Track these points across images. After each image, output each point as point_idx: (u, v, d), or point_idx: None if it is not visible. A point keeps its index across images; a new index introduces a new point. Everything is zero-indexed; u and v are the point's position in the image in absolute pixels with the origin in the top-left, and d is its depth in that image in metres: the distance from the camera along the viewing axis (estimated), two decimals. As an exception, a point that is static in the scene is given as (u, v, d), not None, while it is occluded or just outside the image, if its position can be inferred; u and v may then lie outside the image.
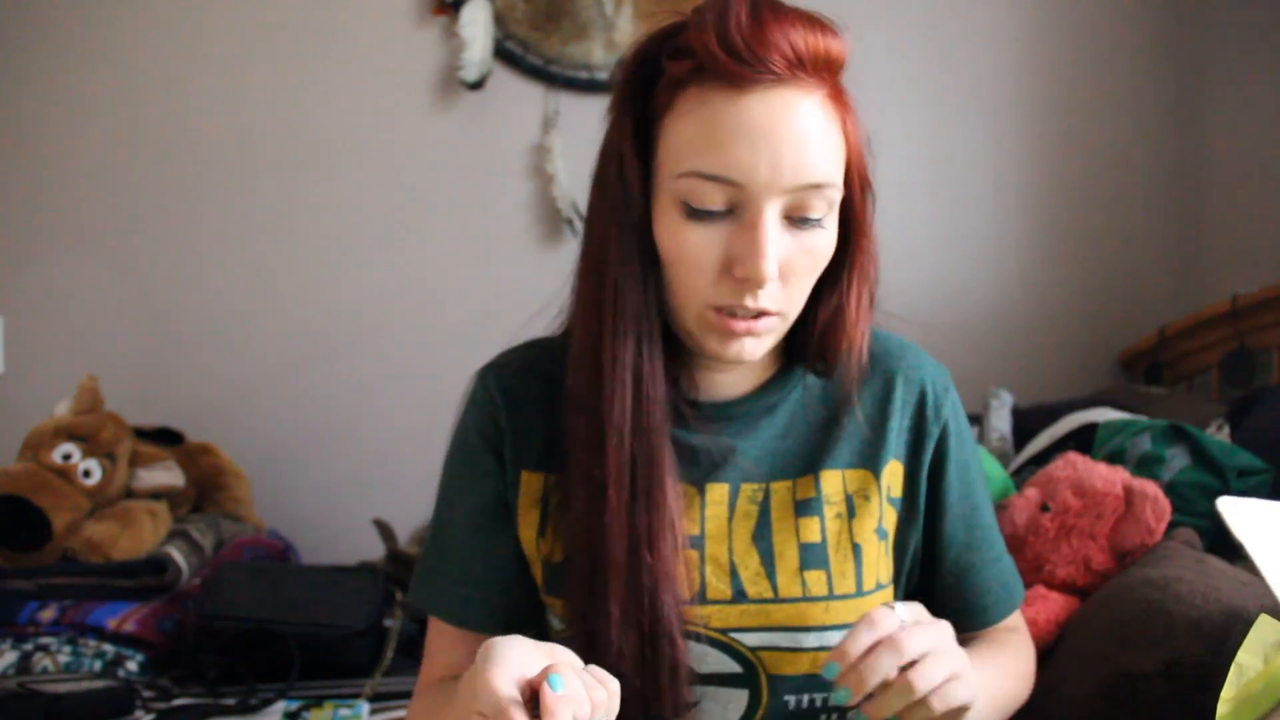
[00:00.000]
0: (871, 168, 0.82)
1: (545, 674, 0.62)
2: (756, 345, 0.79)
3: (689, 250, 0.76)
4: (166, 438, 1.81)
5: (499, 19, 2.13)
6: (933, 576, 0.90)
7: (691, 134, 0.75)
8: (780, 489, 0.85)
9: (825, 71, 0.76)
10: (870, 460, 0.86)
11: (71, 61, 2.08)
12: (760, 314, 0.77)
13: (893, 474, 0.86)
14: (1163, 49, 2.26)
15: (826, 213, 0.77)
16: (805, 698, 0.83)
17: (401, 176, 2.16)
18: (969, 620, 0.90)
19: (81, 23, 2.08)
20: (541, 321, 0.90)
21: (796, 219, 0.76)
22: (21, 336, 2.07)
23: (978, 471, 0.91)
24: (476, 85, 2.12)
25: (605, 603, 0.78)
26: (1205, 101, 2.23)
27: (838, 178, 0.76)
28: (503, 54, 2.14)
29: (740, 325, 0.77)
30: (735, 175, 0.73)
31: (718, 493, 0.85)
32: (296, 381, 2.13)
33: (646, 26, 0.83)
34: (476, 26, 2.10)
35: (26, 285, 2.07)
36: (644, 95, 0.79)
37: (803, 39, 0.73)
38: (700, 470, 0.85)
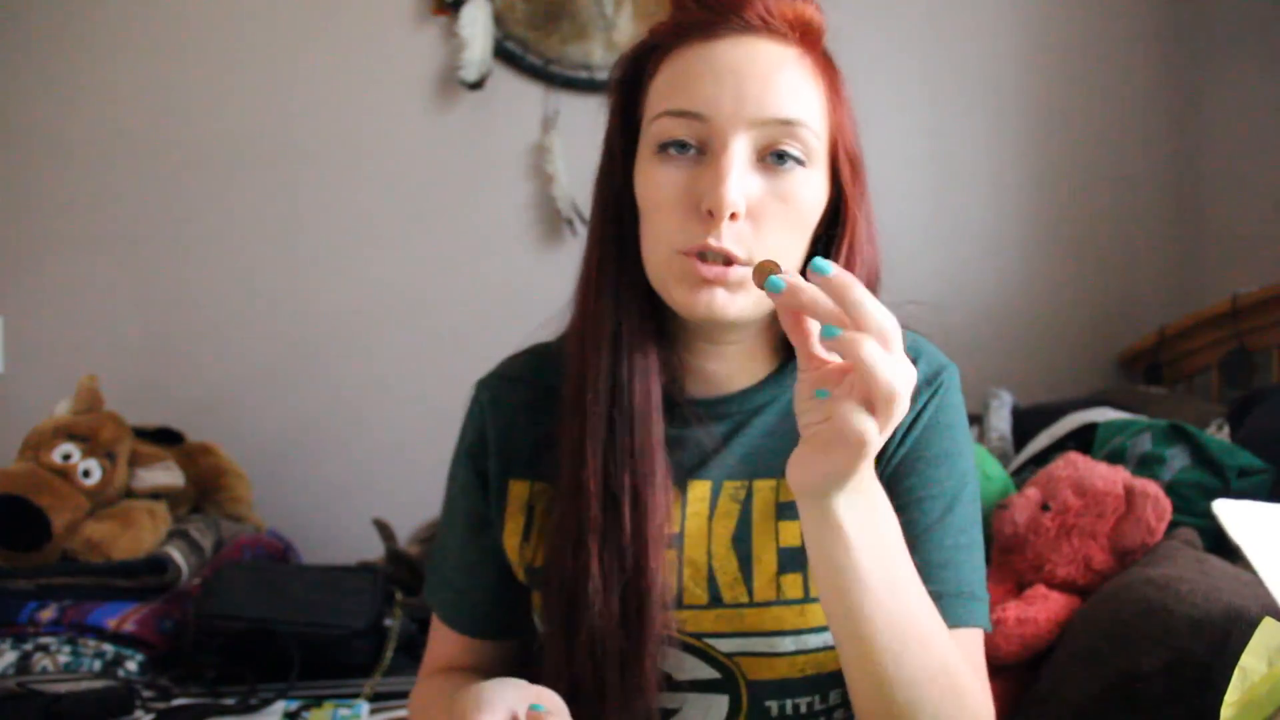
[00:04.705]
0: (862, 154, 0.81)
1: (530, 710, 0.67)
2: (729, 300, 0.76)
3: (657, 188, 0.77)
4: (166, 438, 1.81)
5: (499, 19, 2.13)
6: None
7: (665, 84, 0.78)
8: (764, 488, 0.84)
9: (803, 34, 0.78)
10: None
11: (71, 62, 2.08)
12: (729, 261, 0.75)
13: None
14: (1162, 48, 2.26)
15: (804, 156, 0.76)
16: (788, 703, 0.82)
17: (401, 176, 2.16)
18: None
19: (81, 23, 2.07)
20: (549, 327, 0.91)
21: (770, 159, 0.76)
22: (21, 336, 2.07)
23: (948, 471, 0.83)
24: (476, 85, 2.12)
25: (586, 609, 0.78)
26: (1205, 101, 2.23)
27: (813, 122, 0.76)
28: (503, 54, 2.14)
29: (709, 270, 0.75)
30: (700, 108, 0.75)
31: (699, 490, 0.84)
32: (296, 381, 2.13)
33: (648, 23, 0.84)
34: (476, 26, 2.10)
35: (26, 285, 2.07)
36: (636, 82, 0.82)
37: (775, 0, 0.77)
38: (684, 467, 0.84)
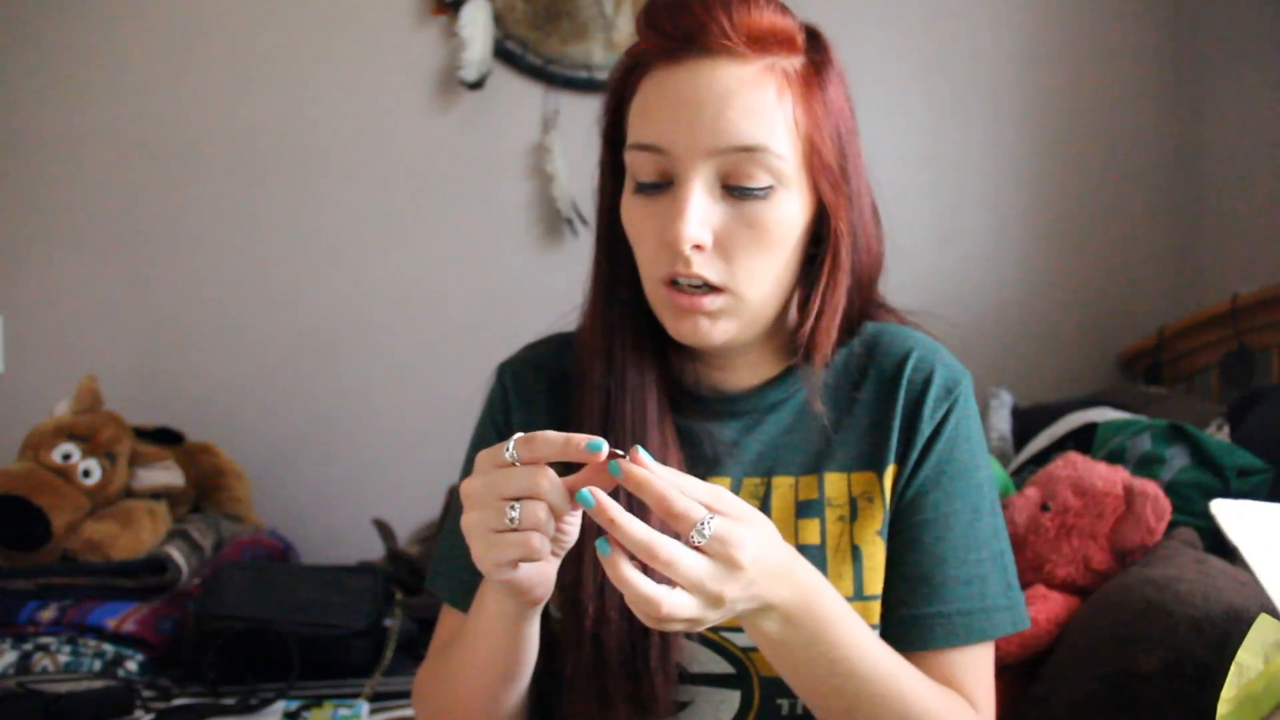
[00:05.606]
0: (847, 164, 0.80)
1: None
2: (712, 326, 0.78)
3: (634, 223, 0.79)
4: (166, 438, 1.81)
5: (499, 19, 2.13)
6: (887, 583, 0.83)
7: (635, 112, 0.79)
8: (783, 484, 0.84)
9: (767, 45, 0.76)
10: (874, 462, 0.84)
11: (70, 60, 2.08)
12: (706, 289, 0.77)
13: (891, 477, 0.84)
14: (1162, 48, 2.26)
15: (771, 184, 0.76)
16: (799, 702, 0.82)
17: (401, 176, 2.16)
18: (903, 640, 0.80)
19: (79, 21, 2.07)
20: (564, 321, 0.93)
21: (734, 189, 0.76)
22: (21, 336, 2.07)
23: (969, 485, 0.84)
24: (476, 85, 2.12)
25: (597, 597, 0.79)
26: (1205, 100, 2.23)
27: (775, 146, 0.75)
28: (502, 54, 2.14)
29: (684, 300, 0.78)
30: (659, 141, 0.76)
31: (719, 485, 0.84)
32: (296, 381, 2.13)
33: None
34: (476, 26, 2.10)
35: (26, 284, 2.07)
36: (621, 103, 0.83)
37: (731, 13, 0.75)
38: (704, 463, 0.85)
